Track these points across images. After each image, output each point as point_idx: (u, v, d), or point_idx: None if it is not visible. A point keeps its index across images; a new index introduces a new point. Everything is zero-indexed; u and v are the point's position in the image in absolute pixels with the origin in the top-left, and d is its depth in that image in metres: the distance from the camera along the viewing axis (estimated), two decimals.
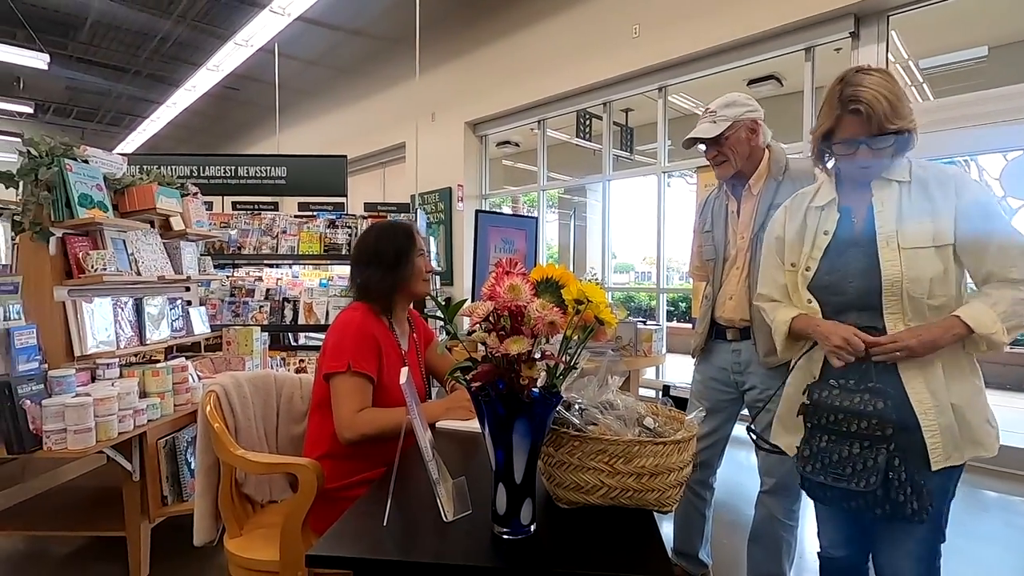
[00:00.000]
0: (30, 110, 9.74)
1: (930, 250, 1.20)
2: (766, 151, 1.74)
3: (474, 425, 1.46)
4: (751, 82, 5.97)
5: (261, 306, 4.12)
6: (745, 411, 1.86)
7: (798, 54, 4.10)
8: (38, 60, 7.09)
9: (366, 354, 1.50)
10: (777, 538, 1.76)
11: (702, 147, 1.75)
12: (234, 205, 4.72)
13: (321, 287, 4.27)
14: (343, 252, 4.21)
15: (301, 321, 4.10)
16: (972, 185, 1.24)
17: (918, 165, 1.28)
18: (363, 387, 1.48)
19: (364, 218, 4.38)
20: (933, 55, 5.27)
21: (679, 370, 5.57)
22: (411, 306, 1.78)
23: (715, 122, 1.68)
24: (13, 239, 2.31)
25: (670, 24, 4.60)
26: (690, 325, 5.77)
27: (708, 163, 1.79)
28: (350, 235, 4.25)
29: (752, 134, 1.70)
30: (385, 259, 1.61)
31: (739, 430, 1.88)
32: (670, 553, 2.03)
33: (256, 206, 4.67)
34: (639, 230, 8.07)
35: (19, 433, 1.86)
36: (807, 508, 2.71)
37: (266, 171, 5.05)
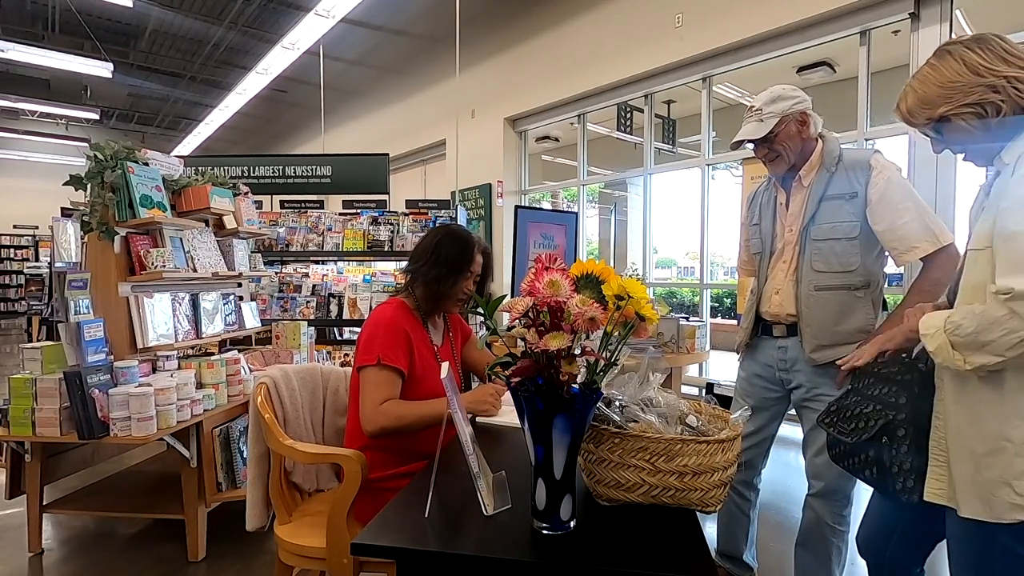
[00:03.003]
0: (96, 116, 10.34)
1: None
2: (818, 141, 1.67)
3: (514, 420, 1.47)
4: (801, 69, 5.73)
5: (308, 301, 4.25)
6: (792, 411, 1.80)
7: (852, 38, 3.90)
8: (103, 69, 7.52)
9: (396, 348, 1.51)
10: (826, 543, 1.69)
11: (750, 145, 1.69)
12: (282, 204, 4.88)
13: (364, 283, 4.36)
14: (385, 248, 4.30)
15: (346, 316, 4.21)
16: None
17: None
18: (390, 380, 1.50)
19: (406, 215, 4.46)
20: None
21: (723, 367, 5.43)
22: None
23: (762, 120, 1.61)
24: (82, 238, 2.46)
25: (714, 12, 4.46)
26: (735, 321, 5.61)
27: (759, 160, 1.73)
28: (392, 232, 4.33)
29: (802, 126, 1.63)
30: (438, 262, 1.61)
31: (786, 430, 1.82)
32: (713, 554, 1.99)
33: (303, 204, 4.82)
34: (681, 224, 7.91)
35: (89, 420, 1.99)
36: (858, 514, 2.60)
37: (312, 170, 5.19)
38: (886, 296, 1.68)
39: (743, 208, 1.96)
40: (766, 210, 1.78)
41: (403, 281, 1.70)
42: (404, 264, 1.73)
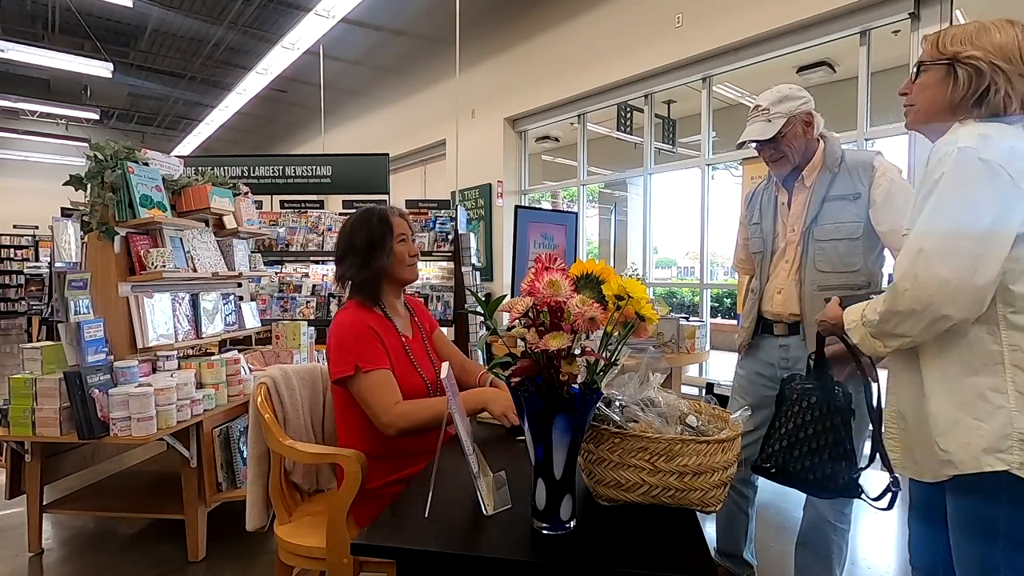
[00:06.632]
0: (96, 116, 10.34)
1: None
2: (820, 141, 1.68)
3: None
4: (801, 69, 5.73)
5: (308, 301, 4.26)
6: None
7: (852, 38, 3.90)
8: (103, 69, 7.52)
9: (370, 349, 1.47)
10: (827, 541, 1.69)
11: (753, 145, 1.70)
12: (282, 204, 4.89)
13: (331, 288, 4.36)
14: None
15: None
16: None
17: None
18: (386, 379, 1.45)
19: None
20: None
21: (723, 367, 5.43)
22: (404, 292, 1.73)
23: (770, 120, 1.62)
24: (82, 238, 2.46)
25: (714, 11, 4.46)
26: (735, 321, 5.61)
27: (763, 160, 1.73)
28: None
29: (807, 127, 1.64)
30: (359, 249, 1.57)
31: None
32: (713, 553, 1.99)
33: (303, 204, 4.82)
34: (681, 224, 7.91)
35: (89, 420, 1.99)
36: (859, 512, 2.60)
37: (312, 170, 5.20)
38: None
39: (742, 207, 1.96)
40: (767, 209, 1.79)
41: (339, 285, 1.64)
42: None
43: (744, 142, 1.70)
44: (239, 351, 2.76)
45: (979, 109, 1.03)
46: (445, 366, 1.04)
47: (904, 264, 1.00)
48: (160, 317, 2.38)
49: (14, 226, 12.31)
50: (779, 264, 1.73)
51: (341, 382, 1.48)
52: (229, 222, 2.84)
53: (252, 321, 2.98)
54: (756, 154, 1.75)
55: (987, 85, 1.02)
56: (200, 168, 3.01)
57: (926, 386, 1.04)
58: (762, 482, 1.95)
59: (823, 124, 1.69)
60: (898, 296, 1.00)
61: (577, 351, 0.88)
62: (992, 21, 1.06)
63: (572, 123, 6.22)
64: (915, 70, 1.12)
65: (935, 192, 0.99)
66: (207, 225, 2.76)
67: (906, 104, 1.15)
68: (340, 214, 4.59)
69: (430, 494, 1.00)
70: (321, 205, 5.06)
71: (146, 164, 2.41)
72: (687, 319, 3.66)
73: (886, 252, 1.62)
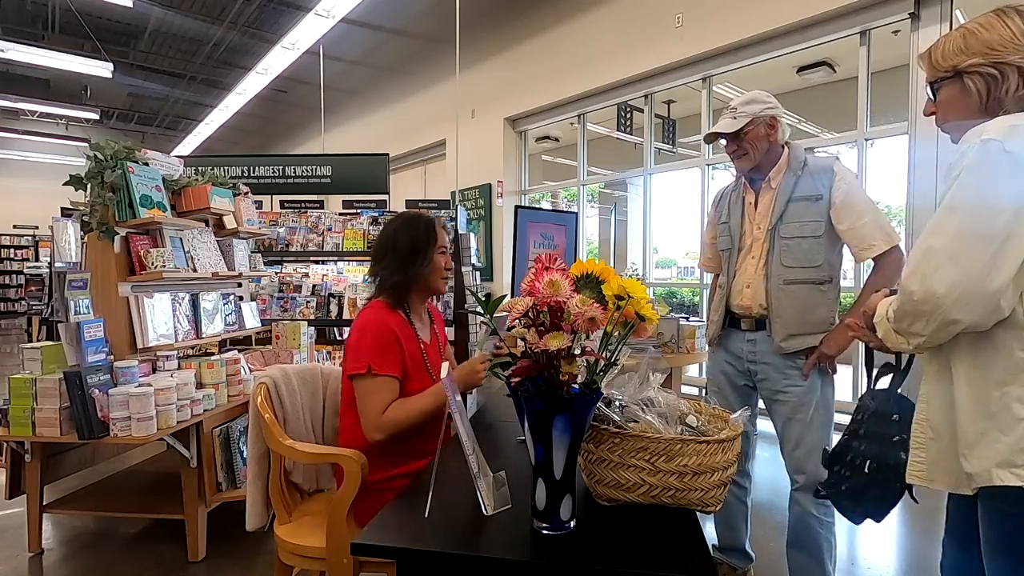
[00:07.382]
0: (96, 116, 10.34)
1: None
2: (785, 148, 1.78)
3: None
4: (801, 69, 5.72)
5: (308, 301, 4.25)
6: (762, 405, 1.87)
7: (852, 38, 3.91)
8: (103, 69, 7.52)
9: (387, 354, 1.48)
10: (816, 537, 1.73)
11: (723, 141, 1.80)
12: (282, 204, 4.88)
13: (364, 283, 4.35)
14: None
15: (346, 316, 4.20)
16: None
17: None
18: (387, 387, 1.47)
19: None
20: None
21: None
22: (430, 300, 1.75)
23: (735, 118, 1.74)
24: (82, 238, 2.46)
25: (714, 12, 4.46)
26: None
27: (728, 154, 1.84)
28: None
29: (771, 130, 1.74)
30: (400, 252, 1.59)
31: (767, 425, 1.86)
32: (713, 551, 2.00)
33: (303, 204, 4.81)
34: (682, 224, 7.91)
35: (89, 420, 1.99)
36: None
37: (312, 170, 5.19)
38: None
39: (711, 208, 2.05)
40: (734, 209, 1.88)
41: (372, 283, 1.66)
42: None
43: (712, 135, 1.81)
44: (239, 351, 2.76)
45: (1010, 106, 0.99)
46: (445, 366, 1.04)
47: (912, 262, 0.94)
48: (160, 317, 2.37)
49: (14, 226, 12.30)
50: (746, 260, 1.82)
51: (352, 378, 1.49)
52: (229, 222, 2.84)
53: (252, 321, 2.98)
54: None
55: (1005, 85, 0.98)
56: (200, 168, 3.01)
57: (956, 395, 0.97)
58: (759, 478, 1.97)
59: (789, 133, 1.81)
60: (907, 296, 0.95)
61: (577, 351, 0.88)
62: (976, 22, 1.03)
63: (572, 123, 6.22)
64: (930, 92, 1.10)
65: (952, 187, 0.93)
66: (207, 225, 2.76)
67: (941, 123, 1.10)
68: (340, 214, 4.58)
69: (430, 494, 1.00)
70: (321, 205, 5.04)
71: (146, 164, 2.41)
72: (687, 319, 3.66)
73: (845, 249, 1.72)
